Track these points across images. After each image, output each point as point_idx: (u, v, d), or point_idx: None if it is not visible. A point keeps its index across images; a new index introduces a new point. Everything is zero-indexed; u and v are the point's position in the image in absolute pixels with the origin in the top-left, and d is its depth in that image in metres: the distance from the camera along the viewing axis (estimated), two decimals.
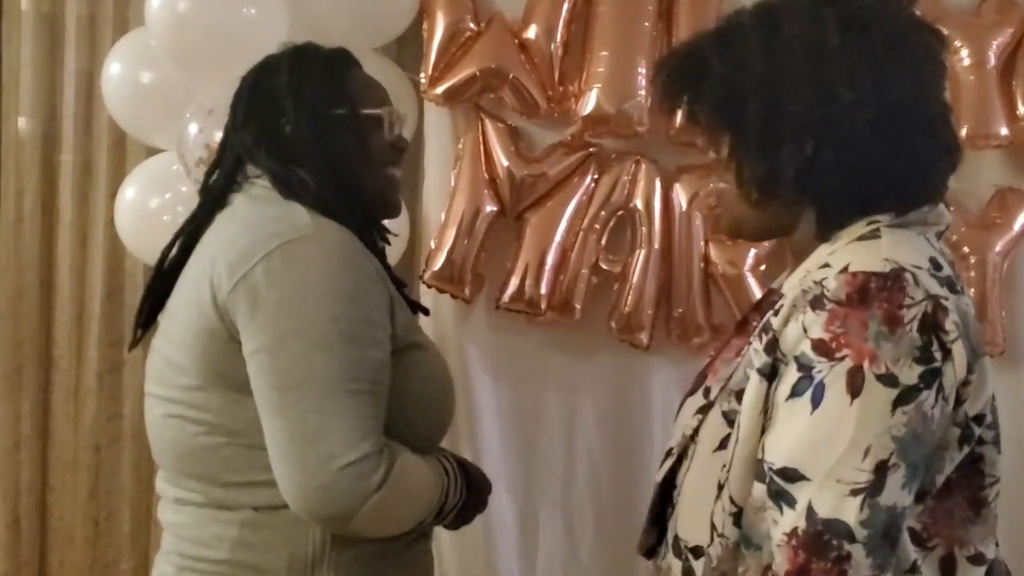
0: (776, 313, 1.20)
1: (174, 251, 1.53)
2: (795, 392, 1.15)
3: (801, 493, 1.12)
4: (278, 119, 1.50)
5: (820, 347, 1.13)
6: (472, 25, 2.48)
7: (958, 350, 1.13)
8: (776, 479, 1.14)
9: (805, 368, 1.14)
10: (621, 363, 2.52)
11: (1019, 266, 2.48)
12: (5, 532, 3.00)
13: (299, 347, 1.35)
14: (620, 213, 2.49)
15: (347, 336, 1.36)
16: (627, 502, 2.49)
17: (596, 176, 2.49)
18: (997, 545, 1.26)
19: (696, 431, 1.29)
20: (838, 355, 1.12)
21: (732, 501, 1.20)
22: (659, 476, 1.34)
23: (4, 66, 2.96)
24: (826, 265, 1.18)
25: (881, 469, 1.10)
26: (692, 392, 1.36)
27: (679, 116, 1.39)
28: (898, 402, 1.10)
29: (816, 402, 1.12)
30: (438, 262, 2.46)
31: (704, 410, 1.29)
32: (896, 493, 1.11)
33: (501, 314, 2.50)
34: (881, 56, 1.21)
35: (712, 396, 1.28)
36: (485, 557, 2.52)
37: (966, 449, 1.19)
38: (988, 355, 1.21)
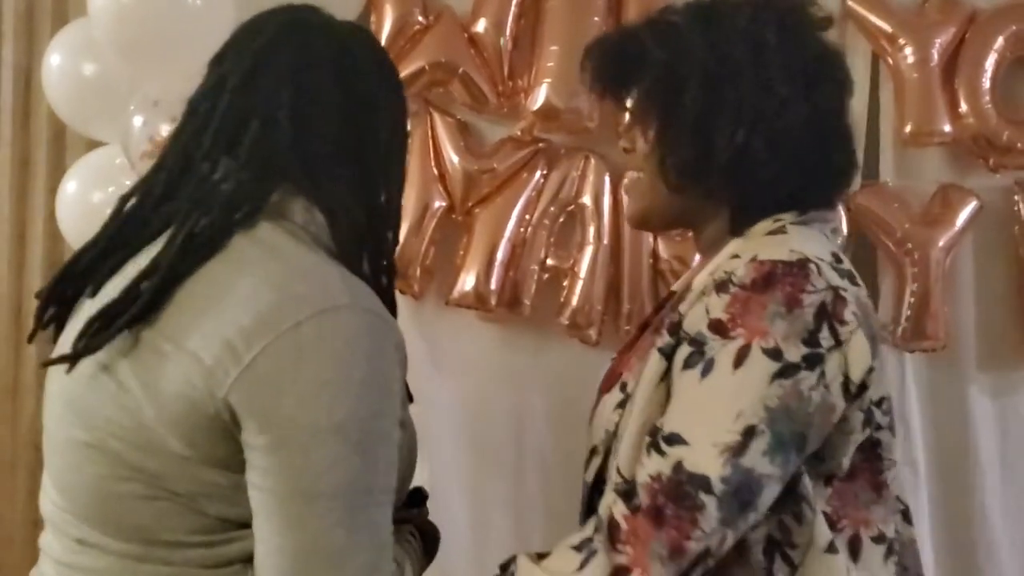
0: (683, 301, 1.28)
1: (181, 265, 1.14)
2: (687, 365, 1.22)
3: (674, 450, 1.19)
4: (364, 125, 1.20)
5: (716, 326, 1.21)
6: (421, 18, 2.46)
7: (858, 339, 1.20)
8: (661, 442, 1.20)
9: (698, 344, 1.21)
10: (571, 359, 2.52)
11: (961, 262, 2.51)
12: None
13: (339, 447, 1.08)
14: (570, 209, 2.49)
15: (384, 436, 1.12)
16: (577, 501, 2.49)
17: (545, 172, 2.48)
18: (907, 522, 1.36)
19: (618, 426, 1.31)
20: (731, 334, 1.19)
21: (619, 472, 1.25)
22: (589, 476, 1.36)
23: None
24: (736, 256, 1.25)
25: (749, 433, 1.17)
26: (608, 389, 1.39)
27: (605, 99, 1.43)
28: (777, 375, 1.17)
29: (704, 374, 1.20)
30: None
31: (623, 404, 1.31)
32: (757, 458, 1.17)
33: (451, 310, 2.48)
34: (812, 64, 1.30)
35: (629, 390, 1.32)
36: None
37: (867, 431, 1.27)
38: (932, 349, 1.25)
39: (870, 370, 1.22)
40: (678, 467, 1.18)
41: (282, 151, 1.18)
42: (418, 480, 2.44)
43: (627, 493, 1.21)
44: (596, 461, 1.35)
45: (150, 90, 2.27)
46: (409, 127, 1.30)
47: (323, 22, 1.26)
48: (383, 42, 2.42)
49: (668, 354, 1.25)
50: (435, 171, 2.47)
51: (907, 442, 2.55)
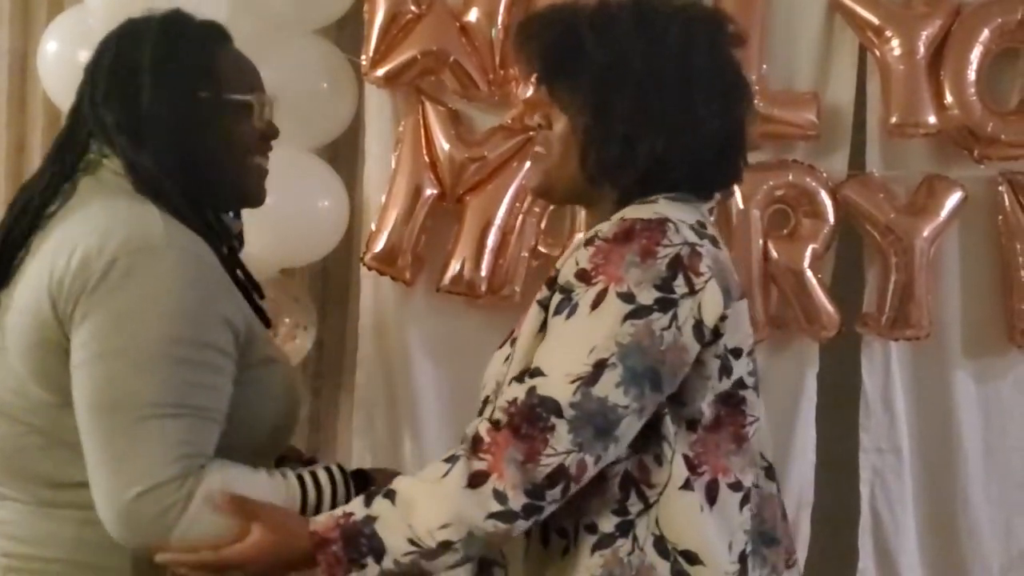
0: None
1: (19, 227, 1.40)
2: (556, 311, 1.34)
3: (532, 380, 1.30)
4: (138, 97, 1.38)
5: (581, 275, 1.33)
6: (413, 7, 2.48)
7: (711, 288, 1.34)
8: (524, 376, 1.32)
9: (566, 292, 1.34)
10: None
11: (946, 251, 2.54)
12: None
13: (120, 367, 1.26)
14: None
15: (177, 359, 1.28)
16: None
17: None
18: (769, 479, 1.47)
19: (506, 376, 1.40)
20: (594, 281, 1.32)
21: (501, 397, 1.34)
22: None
23: None
24: (607, 220, 1.38)
25: (600, 365, 1.28)
26: (501, 346, 1.52)
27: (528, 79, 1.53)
28: (629, 316, 1.30)
29: (568, 316, 1.32)
30: (378, 244, 2.47)
31: (510, 357, 1.43)
32: (610, 388, 1.28)
33: (441, 297, 2.51)
34: (730, 85, 1.44)
35: (516, 345, 1.43)
36: None
37: (726, 381, 1.38)
38: (916, 337, 1.27)
39: (722, 317, 1.35)
40: (531, 392, 1.29)
41: (136, 122, 1.39)
42: (408, 463, 2.49)
43: (489, 417, 1.32)
44: (488, 409, 1.38)
45: None
46: (207, 95, 1.42)
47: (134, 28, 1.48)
48: (375, 31, 2.46)
49: (546, 305, 1.37)
50: (426, 159, 2.49)
51: (892, 429, 2.59)
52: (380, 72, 2.47)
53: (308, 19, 2.52)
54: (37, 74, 2.61)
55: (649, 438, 1.36)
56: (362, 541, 1.27)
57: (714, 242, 1.40)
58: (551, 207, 2.51)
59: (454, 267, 2.48)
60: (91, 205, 1.36)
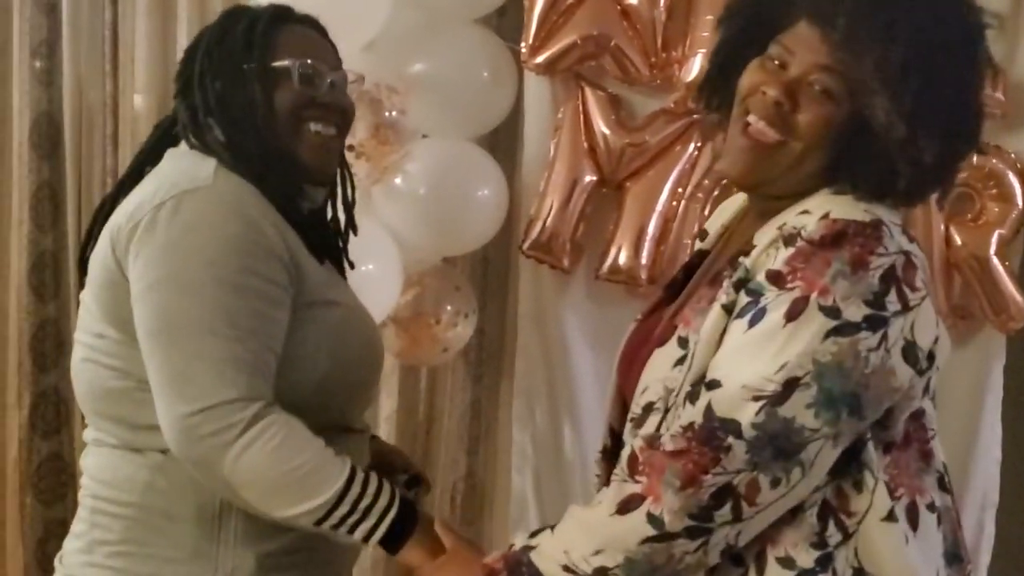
0: (747, 256, 1.26)
1: (107, 200, 1.56)
2: (740, 314, 1.22)
3: (708, 394, 1.20)
4: (199, 78, 1.50)
5: (773, 277, 1.20)
6: None
7: (927, 306, 1.20)
8: (701, 389, 1.22)
9: (754, 294, 1.21)
10: None
11: None
12: None
13: (168, 291, 1.36)
14: (724, 181, 2.44)
15: (223, 282, 1.36)
16: None
17: (699, 144, 2.44)
18: (943, 490, 1.33)
19: (682, 384, 1.28)
20: (788, 286, 1.19)
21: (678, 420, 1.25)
22: (646, 432, 1.32)
23: (120, 43, 3.04)
24: (805, 212, 1.24)
25: (791, 384, 1.17)
26: (660, 343, 1.34)
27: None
28: (833, 332, 1.17)
29: (753, 322, 1.20)
30: (536, 232, 2.45)
31: (682, 361, 1.30)
32: (799, 409, 1.17)
33: (600, 285, 2.48)
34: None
35: (690, 347, 1.29)
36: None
37: (925, 399, 1.28)
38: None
39: (937, 339, 1.23)
40: (708, 414, 1.20)
41: (197, 97, 1.51)
42: (568, 451, 2.46)
43: (652, 436, 1.25)
44: (653, 419, 1.31)
45: None
46: (251, 65, 1.50)
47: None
48: (535, 18, 2.43)
49: (729, 309, 1.25)
50: (586, 145, 2.45)
51: None
52: (540, 59, 2.45)
53: (469, 8, 2.52)
54: None
55: (848, 463, 1.24)
56: (522, 570, 1.28)
57: (919, 246, 1.26)
58: (715, 192, 2.44)
59: (613, 255, 2.44)
60: (161, 166, 1.51)
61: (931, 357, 1.23)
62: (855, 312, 1.17)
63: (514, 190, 2.57)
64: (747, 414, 1.18)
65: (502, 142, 2.66)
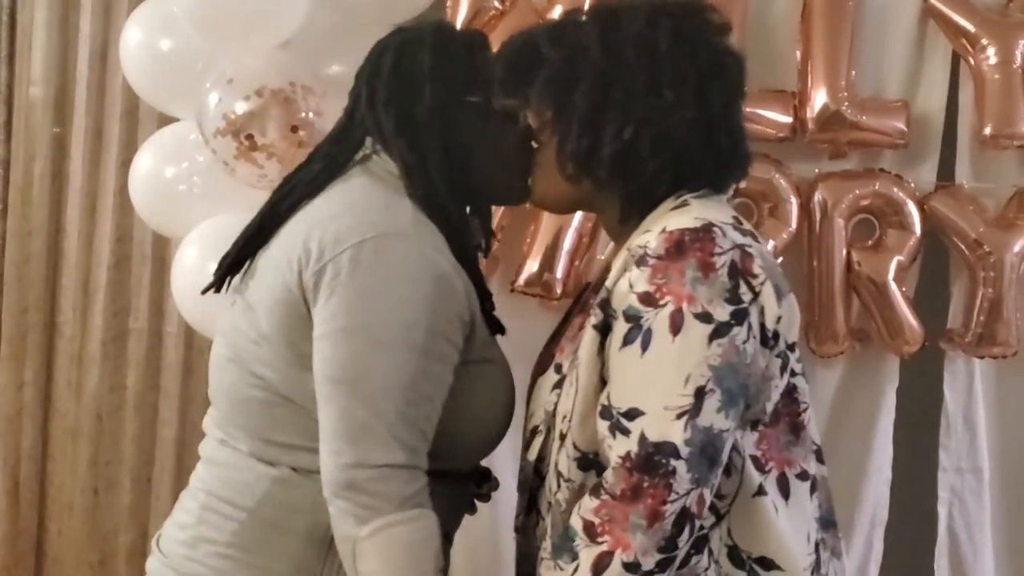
0: (607, 279, 1.35)
1: (285, 203, 1.51)
2: (627, 341, 1.29)
3: (635, 424, 1.26)
4: (417, 104, 1.47)
5: (645, 298, 1.28)
6: (497, 4, 2.46)
7: (767, 290, 1.30)
8: (621, 420, 1.28)
9: (633, 319, 1.29)
10: None
11: None
12: (4, 498, 2.99)
13: (363, 343, 1.35)
14: None
15: (414, 344, 1.36)
16: None
17: None
18: (819, 462, 1.44)
19: (556, 406, 1.40)
20: (661, 302, 1.27)
21: (575, 447, 1.34)
22: (532, 455, 1.45)
23: (18, 31, 2.93)
24: (647, 231, 1.34)
25: (700, 394, 1.26)
26: (542, 371, 1.49)
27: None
28: (713, 336, 1.26)
29: (645, 346, 1.28)
30: None
31: (559, 384, 1.41)
32: (712, 415, 1.26)
33: (515, 297, 2.48)
34: (704, 70, 1.38)
35: (564, 371, 1.41)
36: (492, 550, 2.50)
37: (786, 377, 1.36)
38: (1003, 355, 1.34)
39: (778, 318, 1.31)
40: (642, 440, 1.26)
41: (414, 126, 1.49)
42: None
43: (594, 487, 1.30)
44: (538, 440, 1.43)
45: (225, 67, 2.28)
46: (477, 100, 1.49)
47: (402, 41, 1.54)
48: (459, 26, 2.43)
49: (602, 329, 1.33)
50: None
51: (972, 448, 2.53)
52: None
53: (388, 12, 2.50)
54: (117, 62, 2.62)
55: None
56: None
57: (755, 236, 1.37)
58: None
59: (529, 268, 2.45)
60: (353, 187, 1.47)
61: (775, 336, 1.32)
62: (722, 312, 1.27)
63: None
64: (677, 433, 1.25)
65: None
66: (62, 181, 2.96)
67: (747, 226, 1.37)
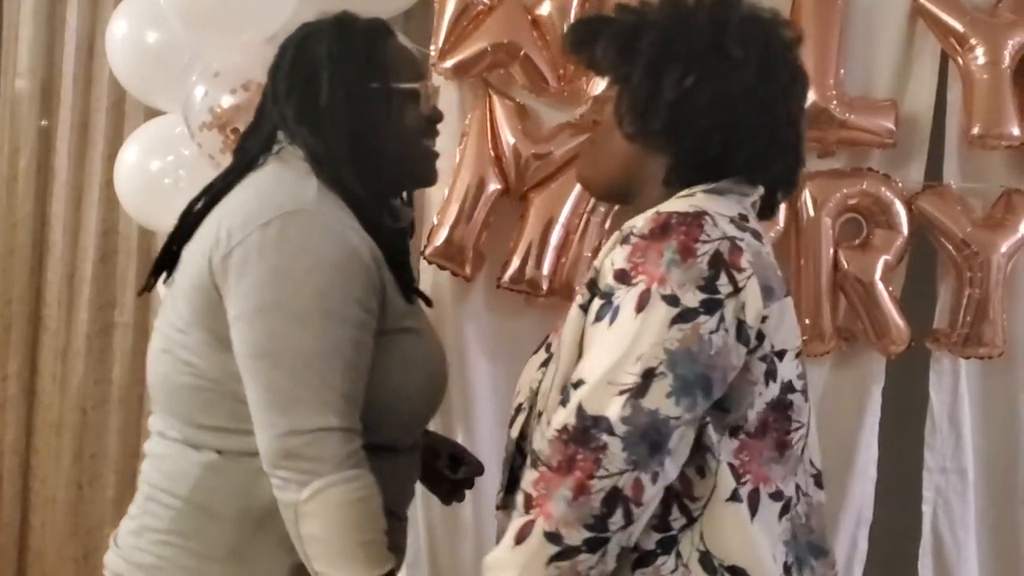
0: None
1: (200, 204, 1.55)
2: (598, 317, 1.28)
3: (575, 394, 1.25)
4: (317, 93, 1.50)
5: (620, 276, 1.27)
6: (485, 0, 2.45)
7: (752, 286, 1.28)
8: (569, 389, 1.27)
9: (606, 296, 1.28)
10: None
11: (1022, 268, 2.47)
12: None
13: (276, 319, 1.39)
14: None
15: (330, 312, 1.40)
16: None
17: None
18: (798, 487, 1.39)
19: (540, 383, 1.39)
20: (634, 281, 1.26)
21: (550, 424, 1.29)
22: (514, 432, 1.44)
23: (4, 23, 2.91)
24: (642, 215, 1.32)
25: (648, 375, 1.23)
26: (536, 351, 1.48)
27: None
28: (676, 320, 1.24)
29: (612, 321, 1.26)
30: (440, 238, 2.43)
31: (546, 363, 1.40)
32: (660, 399, 1.23)
33: (500, 293, 2.47)
34: (771, 47, 1.38)
35: (552, 350, 1.40)
36: (475, 541, 2.50)
37: (773, 386, 1.33)
38: (988, 356, 1.22)
39: (763, 318, 1.29)
40: (580, 411, 1.24)
41: (315, 114, 1.52)
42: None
43: (534, 460, 1.28)
44: (521, 417, 1.42)
45: (212, 61, 2.27)
46: (376, 85, 1.53)
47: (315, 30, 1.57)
48: (445, 21, 2.43)
49: (585, 308, 1.32)
50: (492, 153, 2.45)
51: (957, 448, 2.52)
52: (449, 63, 2.44)
53: (376, 8, 2.48)
54: (104, 54, 2.61)
55: (693, 449, 1.29)
56: None
57: (756, 236, 1.34)
58: (616, 207, 2.46)
59: (515, 264, 2.44)
60: (265, 175, 1.51)
61: (760, 336, 1.29)
62: (691, 298, 1.24)
63: (418, 195, 2.54)
64: (614, 409, 1.22)
65: None
66: (48, 174, 2.96)
67: (752, 224, 1.35)
